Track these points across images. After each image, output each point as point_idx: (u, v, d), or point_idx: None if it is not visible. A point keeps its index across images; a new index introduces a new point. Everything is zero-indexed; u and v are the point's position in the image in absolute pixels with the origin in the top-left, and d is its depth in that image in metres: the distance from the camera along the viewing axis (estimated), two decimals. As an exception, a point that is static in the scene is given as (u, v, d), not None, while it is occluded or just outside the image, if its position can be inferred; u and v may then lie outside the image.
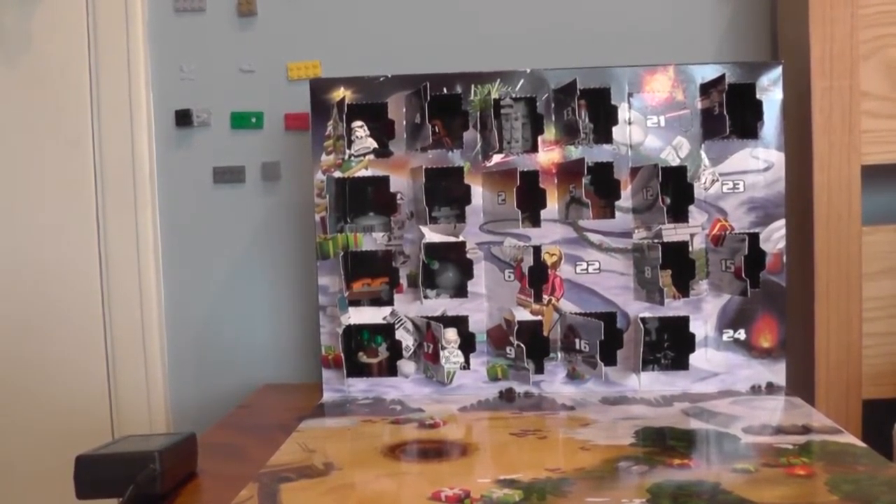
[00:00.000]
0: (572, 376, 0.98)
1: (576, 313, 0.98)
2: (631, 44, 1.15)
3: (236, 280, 1.22)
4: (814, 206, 0.99)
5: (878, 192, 1.06)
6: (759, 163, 0.97)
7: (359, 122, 1.00)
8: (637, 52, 1.13)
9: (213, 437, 0.89)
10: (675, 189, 0.98)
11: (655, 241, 0.96)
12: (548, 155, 0.99)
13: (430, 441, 0.82)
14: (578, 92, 0.95)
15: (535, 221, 0.98)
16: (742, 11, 1.16)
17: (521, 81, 0.99)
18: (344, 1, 1.19)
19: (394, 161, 1.00)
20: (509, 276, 0.99)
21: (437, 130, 1.00)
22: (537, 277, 0.98)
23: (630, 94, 0.98)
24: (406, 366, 1.00)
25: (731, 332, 0.97)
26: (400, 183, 1.00)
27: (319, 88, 1.01)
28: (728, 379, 0.97)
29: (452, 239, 0.99)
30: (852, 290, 0.99)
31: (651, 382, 0.98)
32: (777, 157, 0.97)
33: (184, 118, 1.20)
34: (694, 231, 0.97)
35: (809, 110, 0.98)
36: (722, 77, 0.95)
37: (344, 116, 0.99)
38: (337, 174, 1.00)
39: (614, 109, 0.98)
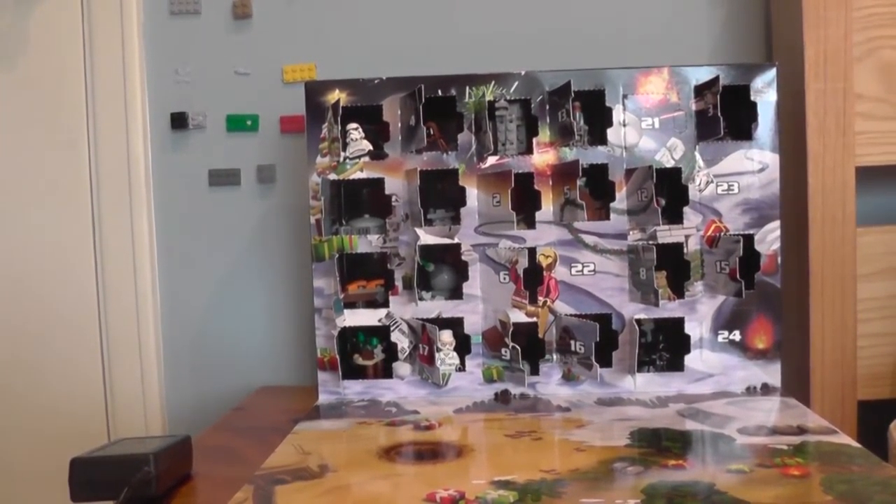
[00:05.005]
0: (568, 378, 0.99)
1: (571, 315, 0.98)
2: (626, 46, 1.16)
3: (232, 283, 1.22)
4: (808, 208, 0.99)
5: (872, 194, 1.06)
6: (753, 164, 0.97)
7: (354, 125, 1.00)
8: (632, 53, 1.13)
9: (208, 440, 0.89)
10: (669, 190, 0.98)
11: (650, 242, 0.96)
12: (542, 157, 0.99)
13: (425, 443, 0.81)
14: (573, 94, 0.95)
15: (530, 223, 0.98)
16: (736, 13, 1.16)
17: (516, 83, 0.99)
18: (339, 3, 1.19)
19: (389, 163, 1.00)
20: (504, 278, 0.99)
21: (431, 132, 1.01)
22: (532, 279, 0.98)
23: (625, 96, 0.98)
24: (401, 368, 1.00)
25: (726, 333, 0.97)
26: (395, 185, 1.00)
27: (314, 91, 1.01)
28: (723, 380, 0.97)
29: (447, 241, 0.99)
30: (847, 291, 0.99)
31: (646, 384, 0.98)
32: (772, 159, 0.97)
33: (179, 121, 1.20)
34: (689, 232, 0.97)
35: (804, 112, 0.99)
36: (716, 79, 0.95)
37: (339, 119, 0.99)
38: (332, 176, 1.00)
39: (609, 111, 0.98)
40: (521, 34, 1.17)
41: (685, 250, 0.97)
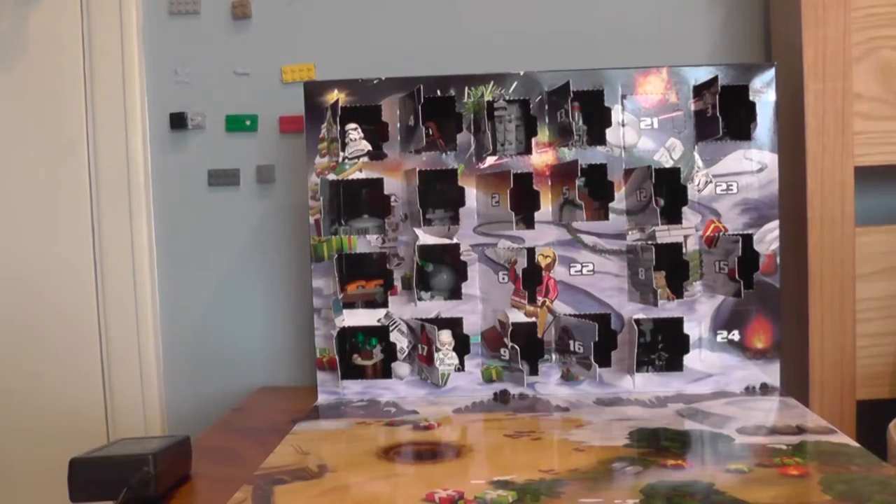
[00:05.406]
0: (567, 378, 0.99)
1: (570, 315, 0.98)
2: (625, 46, 1.16)
3: (231, 283, 1.22)
4: (807, 208, 0.99)
5: (871, 194, 1.06)
6: (752, 164, 0.97)
7: (353, 125, 1.00)
8: (631, 54, 1.13)
9: (207, 440, 0.89)
10: (668, 191, 0.98)
11: (649, 242, 0.96)
12: (541, 157, 0.99)
13: (424, 443, 0.82)
14: (572, 94, 0.96)
15: (529, 223, 0.99)
16: (735, 13, 1.16)
17: (515, 84, 0.99)
18: (338, 4, 1.19)
19: (388, 163, 1.00)
20: (503, 278, 0.99)
21: (430, 133, 1.01)
22: (531, 279, 0.98)
23: (623, 96, 0.98)
24: (400, 368, 1.00)
25: (725, 333, 0.97)
26: (394, 185, 1.00)
27: (313, 91, 1.01)
28: (722, 380, 0.97)
29: (446, 241, 0.99)
30: (846, 290, 0.99)
31: (645, 383, 0.98)
32: (770, 159, 0.97)
33: (178, 121, 1.20)
34: (687, 232, 0.97)
35: (803, 112, 0.99)
36: (715, 79, 0.95)
37: (338, 119, 0.99)
38: (331, 177, 1.00)
39: (608, 111, 0.98)
40: (520, 34, 1.17)
41: (684, 250, 0.97)
